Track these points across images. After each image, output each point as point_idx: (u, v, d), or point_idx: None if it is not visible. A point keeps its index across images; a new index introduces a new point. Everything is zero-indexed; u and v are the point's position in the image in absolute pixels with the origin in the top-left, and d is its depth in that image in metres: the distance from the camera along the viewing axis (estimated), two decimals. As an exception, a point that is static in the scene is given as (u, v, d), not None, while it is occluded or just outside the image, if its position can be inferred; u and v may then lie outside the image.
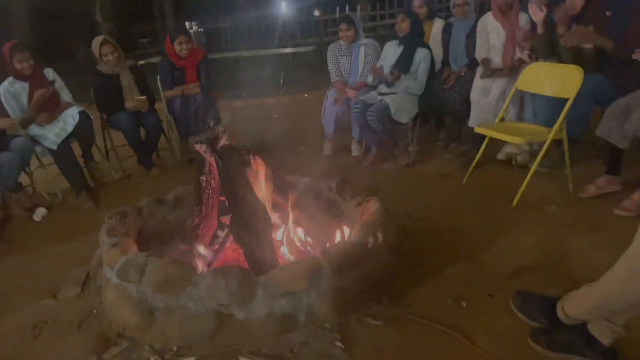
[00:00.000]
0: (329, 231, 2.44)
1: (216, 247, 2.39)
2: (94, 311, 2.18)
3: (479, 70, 3.77)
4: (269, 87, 7.52)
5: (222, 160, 2.21)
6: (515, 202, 2.97)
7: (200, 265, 2.25)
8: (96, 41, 3.85)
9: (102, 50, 3.80)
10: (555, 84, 3.08)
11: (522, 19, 3.61)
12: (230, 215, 2.23)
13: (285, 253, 2.31)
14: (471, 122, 3.69)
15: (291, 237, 2.34)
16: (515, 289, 2.00)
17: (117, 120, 3.87)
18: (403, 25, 3.81)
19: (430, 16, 4.30)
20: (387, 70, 3.84)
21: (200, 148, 2.26)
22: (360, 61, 4.15)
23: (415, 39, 3.81)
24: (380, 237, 2.19)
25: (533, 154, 3.40)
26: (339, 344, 1.88)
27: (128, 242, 2.28)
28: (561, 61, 3.29)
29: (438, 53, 4.08)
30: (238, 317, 1.91)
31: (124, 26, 14.05)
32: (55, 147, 3.42)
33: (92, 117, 3.73)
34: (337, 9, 12.45)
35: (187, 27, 11.43)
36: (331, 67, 4.27)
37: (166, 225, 2.75)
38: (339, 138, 4.32)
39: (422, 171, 3.76)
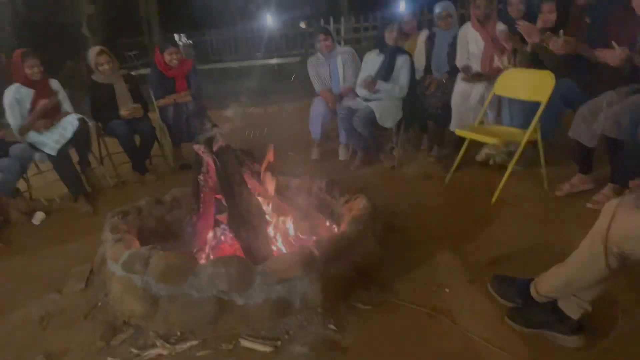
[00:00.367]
0: (319, 226, 2.59)
1: (214, 242, 2.53)
2: (99, 303, 2.29)
3: (459, 77, 3.98)
4: (255, 97, 7.69)
5: (220, 160, 2.36)
6: (494, 199, 3.17)
7: (200, 258, 2.38)
8: (93, 51, 3.99)
9: (99, 60, 3.94)
10: (529, 89, 3.30)
11: (500, 28, 3.84)
12: (227, 211, 2.36)
13: (279, 246, 2.45)
14: (452, 126, 3.89)
15: (284, 231, 2.49)
16: (493, 273, 2.18)
17: (112, 128, 3.99)
18: (393, 35, 4.01)
19: (418, 28, 4.60)
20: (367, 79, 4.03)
21: (199, 149, 2.40)
22: (339, 69, 4.36)
23: (392, 48, 4.02)
24: (367, 229, 2.36)
25: (510, 155, 3.59)
26: (332, 326, 2.03)
27: (131, 238, 2.41)
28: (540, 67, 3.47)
29: (421, 61, 4.29)
30: (237, 303, 2.05)
31: (111, 39, 14.13)
32: (54, 153, 3.52)
33: (90, 125, 3.85)
34: (322, 21, 12.73)
35: (176, 39, 11.58)
36: (313, 78, 4.47)
37: (164, 225, 2.89)
38: (326, 143, 4.49)
39: (406, 173, 3.94)
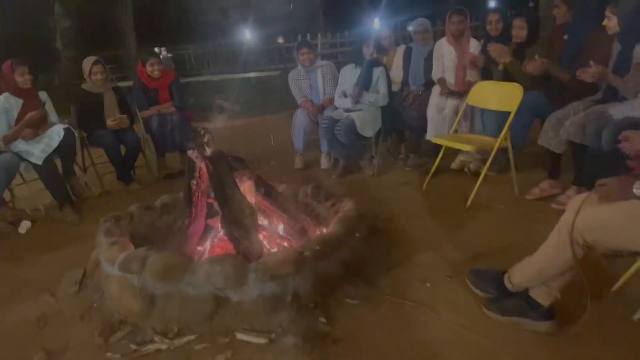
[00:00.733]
0: (307, 227, 2.72)
1: (206, 244, 2.63)
2: (95, 305, 2.36)
3: (435, 89, 4.20)
4: (236, 109, 7.80)
5: (213, 164, 2.47)
6: (469, 202, 3.36)
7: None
8: (88, 60, 4.08)
9: (93, 69, 4.03)
10: (499, 100, 3.53)
11: (473, 44, 4.09)
12: (220, 213, 2.47)
13: (270, 246, 2.56)
14: (428, 136, 4.09)
15: (274, 232, 2.61)
16: (470, 268, 2.34)
17: (98, 138, 4.06)
18: (370, 50, 4.20)
19: (396, 43, 4.89)
20: (350, 91, 4.21)
21: (193, 154, 2.51)
22: (319, 81, 4.54)
23: (368, 61, 4.22)
24: (354, 229, 2.50)
25: (483, 162, 3.81)
26: (322, 319, 2.15)
27: (125, 241, 2.49)
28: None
29: (399, 74, 4.51)
30: (233, 299, 2.15)
31: (86, 53, 14.07)
32: (40, 162, 3.56)
33: (75, 135, 3.90)
34: (299, 36, 13.00)
35: (156, 52, 11.63)
36: (294, 91, 4.64)
37: (154, 230, 2.96)
38: (308, 152, 4.64)
39: (386, 180, 4.12)
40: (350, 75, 4.30)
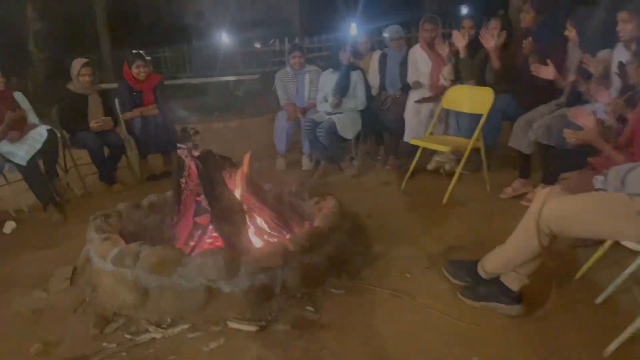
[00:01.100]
0: (293, 223, 2.84)
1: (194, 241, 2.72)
2: (87, 299, 2.42)
3: (412, 93, 4.38)
4: (215, 112, 7.87)
5: (202, 163, 2.57)
6: (444, 200, 3.54)
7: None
8: (79, 62, 4.13)
9: (82, 71, 4.07)
10: (472, 103, 3.73)
11: (444, 49, 4.29)
12: (210, 210, 2.57)
13: (258, 240, 2.67)
14: (406, 137, 4.27)
15: (262, 227, 2.72)
16: (446, 259, 2.51)
17: (81, 139, 4.09)
18: (347, 55, 4.36)
19: (372, 49, 5.05)
20: (329, 96, 4.35)
21: (182, 153, 2.61)
22: (306, 85, 4.67)
23: (345, 66, 4.37)
24: (338, 224, 2.64)
25: (458, 162, 4.00)
26: (309, 308, 2.28)
27: (117, 237, 2.57)
28: (481, 82, 3.92)
29: (375, 79, 4.68)
30: (224, 290, 2.25)
31: (59, 56, 13.84)
32: (25, 163, 3.58)
33: (58, 136, 3.93)
34: (277, 41, 13.13)
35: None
36: (279, 91, 4.76)
37: (142, 228, 3.03)
38: (290, 154, 4.76)
39: (366, 181, 4.27)
40: (329, 79, 4.44)
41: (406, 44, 4.67)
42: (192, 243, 2.74)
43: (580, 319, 2.15)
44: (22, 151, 3.61)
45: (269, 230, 2.73)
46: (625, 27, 2.82)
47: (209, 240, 2.71)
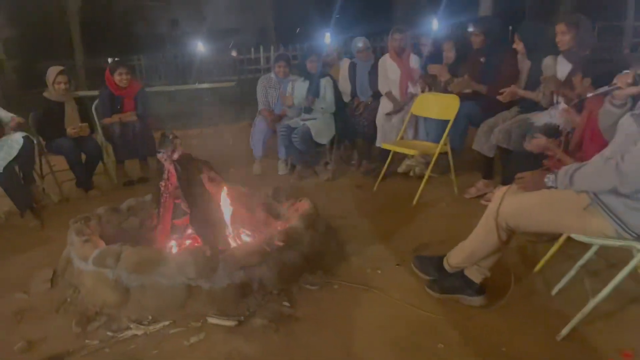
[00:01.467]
0: (270, 224, 2.96)
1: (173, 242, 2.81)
2: (68, 299, 2.48)
3: (383, 100, 4.56)
4: (190, 119, 7.92)
5: (181, 166, 2.67)
6: (414, 201, 3.71)
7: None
8: (54, 69, 4.16)
9: (57, 79, 4.11)
10: (439, 109, 3.92)
11: (413, 60, 4.50)
12: (189, 211, 2.66)
13: (236, 240, 2.77)
14: (378, 142, 4.44)
15: (240, 228, 2.83)
16: (414, 254, 2.66)
17: (59, 145, 4.12)
18: (314, 65, 4.51)
19: (340, 58, 5.27)
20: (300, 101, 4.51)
21: (162, 157, 2.70)
22: (288, 94, 4.80)
23: (318, 74, 4.52)
24: (312, 225, 2.77)
25: (427, 166, 4.18)
26: (286, 303, 2.39)
27: (97, 239, 2.63)
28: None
29: (347, 86, 4.86)
30: (204, 287, 2.35)
31: (30, 63, 13.63)
32: (1, 170, 3.60)
33: (35, 142, 3.95)
34: (252, 49, 13.27)
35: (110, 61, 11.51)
36: (260, 96, 4.88)
37: (121, 231, 3.10)
38: (266, 160, 4.87)
39: (340, 184, 4.42)
40: (300, 87, 4.59)
41: (373, 54, 4.86)
42: (171, 244, 2.84)
43: (537, 308, 2.32)
44: (-1, 158, 3.63)
45: (246, 231, 2.83)
46: (563, 38, 3.06)
47: (187, 242, 2.80)
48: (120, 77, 4.44)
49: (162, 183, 2.78)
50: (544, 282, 2.53)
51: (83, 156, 4.32)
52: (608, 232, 1.94)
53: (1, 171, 3.62)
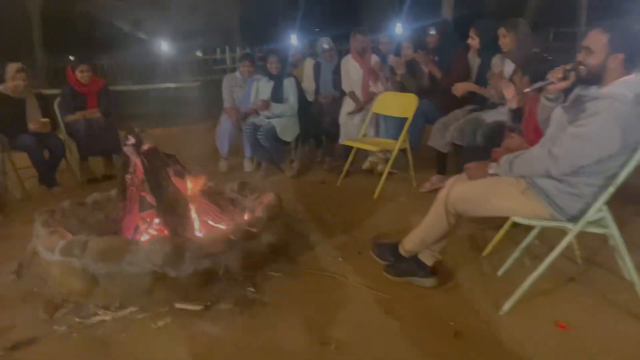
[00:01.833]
0: (235, 215, 3.06)
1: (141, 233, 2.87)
2: (35, 289, 2.52)
3: (345, 100, 4.73)
4: (156, 119, 7.91)
5: (148, 159, 2.74)
6: (375, 196, 3.88)
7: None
8: (13, 67, 4.13)
9: (16, 76, 4.09)
10: (398, 108, 4.12)
11: (373, 59, 4.69)
12: (155, 203, 2.74)
13: (201, 230, 2.86)
14: (341, 140, 4.60)
15: (205, 219, 2.92)
16: (373, 242, 2.82)
17: (21, 142, 4.09)
18: (274, 65, 4.63)
19: (303, 58, 5.43)
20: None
21: (128, 150, 2.76)
22: (253, 93, 4.90)
23: (281, 74, 4.66)
24: (277, 215, 2.89)
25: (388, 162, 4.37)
26: (251, 289, 2.50)
27: (63, 231, 2.68)
28: (405, 90, 4.35)
29: (311, 85, 5.01)
30: (170, 275, 2.43)
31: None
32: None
33: (-2, 140, 3.93)
34: (218, 50, 13.28)
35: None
36: (226, 95, 4.96)
37: (86, 225, 3.13)
38: (232, 158, 4.96)
39: (304, 180, 4.56)
40: (265, 86, 4.70)
41: (337, 55, 5.04)
42: (137, 236, 2.90)
43: (484, 288, 2.51)
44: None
45: (211, 221, 2.93)
46: (504, 40, 3.31)
47: (154, 232, 2.87)
48: (82, 74, 4.46)
49: (129, 176, 2.84)
50: (491, 264, 2.73)
51: (46, 153, 4.30)
52: (543, 214, 2.15)
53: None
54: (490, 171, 2.28)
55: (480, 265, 2.74)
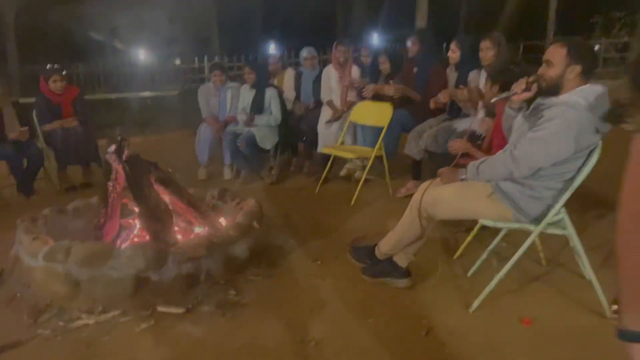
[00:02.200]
0: (215, 221, 3.13)
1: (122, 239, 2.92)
2: (18, 294, 2.54)
3: (324, 108, 4.86)
4: (133, 127, 7.89)
5: (130, 166, 2.80)
6: (353, 201, 4.00)
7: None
8: None
9: None
10: (375, 117, 4.26)
11: (354, 70, 4.83)
12: (138, 209, 2.80)
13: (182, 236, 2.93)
14: (319, 148, 4.72)
15: (186, 224, 2.98)
16: (351, 245, 2.93)
17: (0, 150, 4.09)
18: (251, 77, 4.73)
19: (284, 67, 5.53)
20: (247, 109, 4.70)
21: (110, 157, 2.82)
22: (228, 100, 4.99)
23: (262, 83, 4.75)
24: (257, 220, 2.98)
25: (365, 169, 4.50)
26: (232, 292, 2.58)
27: (45, 237, 2.71)
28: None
29: (291, 94, 5.12)
30: (153, 279, 2.49)
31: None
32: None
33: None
34: (196, 59, 13.27)
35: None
36: (202, 105, 5.04)
37: (67, 232, 3.16)
38: (211, 165, 5.02)
39: (283, 187, 4.65)
40: (247, 94, 4.80)
41: (319, 64, 5.17)
42: (119, 242, 2.95)
43: (455, 288, 2.65)
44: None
45: (193, 227, 3.00)
46: (487, 53, 3.47)
47: (136, 238, 2.93)
48: (54, 84, 4.48)
49: (110, 183, 2.90)
50: (461, 266, 2.87)
51: (25, 162, 4.30)
52: (508, 216, 2.30)
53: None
54: (461, 176, 2.42)
55: (451, 266, 2.88)
